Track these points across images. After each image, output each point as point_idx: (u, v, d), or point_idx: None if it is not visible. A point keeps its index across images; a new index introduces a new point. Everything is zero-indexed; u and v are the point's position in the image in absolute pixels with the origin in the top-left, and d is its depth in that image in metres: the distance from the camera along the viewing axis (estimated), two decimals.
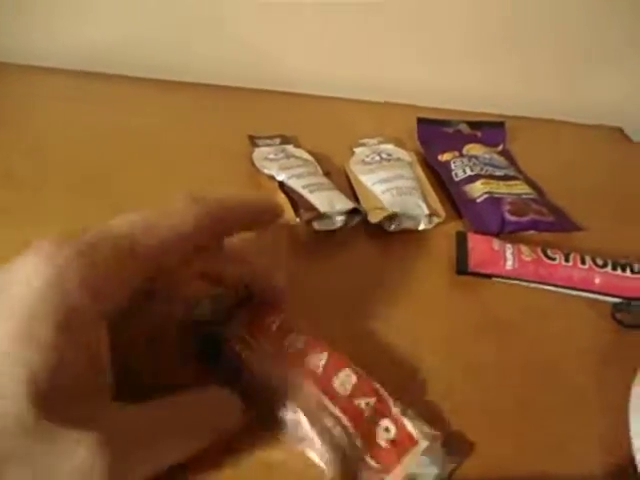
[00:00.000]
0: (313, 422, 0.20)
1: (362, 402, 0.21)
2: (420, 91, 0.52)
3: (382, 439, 0.20)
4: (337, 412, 0.20)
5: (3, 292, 0.15)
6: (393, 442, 0.20)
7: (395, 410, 0.21)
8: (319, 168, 0.37)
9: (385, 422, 0.21)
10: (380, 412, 0.21)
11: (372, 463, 0.20)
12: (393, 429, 0.21)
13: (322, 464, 0.20)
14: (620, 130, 0.53)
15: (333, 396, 0.21)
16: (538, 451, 0.22)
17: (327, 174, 0.37)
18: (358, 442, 0.20)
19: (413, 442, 0.20)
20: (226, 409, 0.20)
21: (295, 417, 0.20)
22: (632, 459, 0.21)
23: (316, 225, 0.31)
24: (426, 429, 0.21)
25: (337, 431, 0.20)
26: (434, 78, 0.53)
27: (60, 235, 0.16)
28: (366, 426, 0.20)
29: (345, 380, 0.21)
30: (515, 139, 0.48)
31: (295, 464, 0.20)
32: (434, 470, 0.20)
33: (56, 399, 0.14)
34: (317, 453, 0.20)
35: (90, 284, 0.16)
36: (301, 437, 0.20)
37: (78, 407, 0.15)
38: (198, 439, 0.19)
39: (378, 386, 0.22)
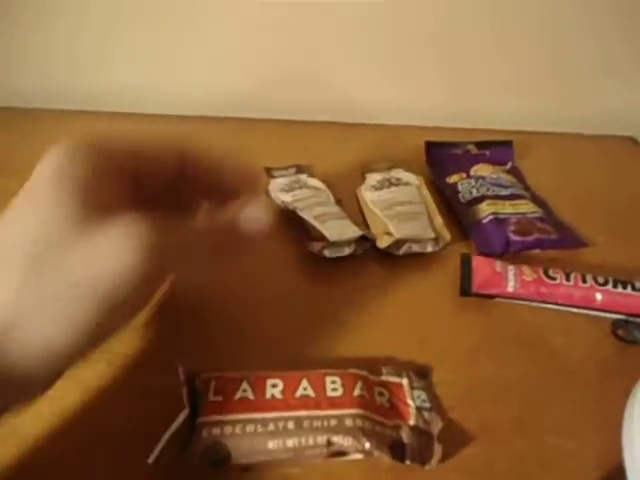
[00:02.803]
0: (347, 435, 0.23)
1: (356, 391, 0.24)
2: (427, 111, 0.54)
3: (382, 402, 0.25)
4: (348, 411, 0.23)
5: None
6: (389, 401, 0.25)
7: (374, 377, 0.26)
8: (331, 197, 0.39)
9: (376, 389, 0.25)
10: (369, 386, 0.25)
11: (387, 422, 0.24)
12: (384, 391, 0.26)
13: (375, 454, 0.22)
14: (632, 139, 0.54)
15: (336, 404, 0.24)
16: (534, 467, 0.24)
17: (339, 202, 0.39)
18: (375, 417, 0.24)
19: (401, 388, 0.26)
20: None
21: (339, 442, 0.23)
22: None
23: (327, 253, 0.34)
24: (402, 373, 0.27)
25: (359, 422, 0.23)
26: (441, 98, 0.55)
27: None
28: (370, 404, 0.24)
29: (332, 385, 0.25)
30: (525, 154, 0.49)
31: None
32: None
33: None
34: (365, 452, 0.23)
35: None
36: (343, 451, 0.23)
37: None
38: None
39: (354, 371, 0.26)
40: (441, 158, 0.46)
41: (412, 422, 0.24)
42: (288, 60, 0.53)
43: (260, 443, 0.22)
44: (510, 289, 0.32)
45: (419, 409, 0.25)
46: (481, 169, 0.44)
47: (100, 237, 0.19)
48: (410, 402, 0.25)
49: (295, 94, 0.54)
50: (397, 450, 0.23)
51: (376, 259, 0.36)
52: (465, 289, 0.33)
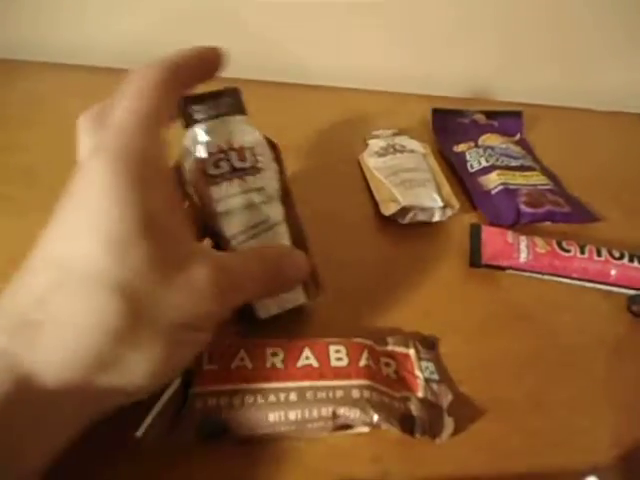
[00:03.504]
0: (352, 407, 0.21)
1: (362, 361, 0.23)
2: (435, 81, 0.52)
3: (389, 372, 0.24)
4: (354, 382, 0.22)
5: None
6: (396, 372, 0.24)
7: (380, 347, 0.25)
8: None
9: (382, 360, 0.24)
10: (375, 356, 0.24)
11: (394, 394, 0.22)
12: (391, 361, 0.24)
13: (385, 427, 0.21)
14: None
15: (341, 374, 0.22)
16: (546, 444, 0.23)
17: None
18: (382, 388, 0.22)
19: (408, 359, 0.24)
20: (298, 263, 0.23)
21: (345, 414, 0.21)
22: None
23: None
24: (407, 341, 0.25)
25: (366, 394, 0.21)
26: (449, 67, 0.52)
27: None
28: (376, 375, 0.23)
29: (337, 355, 0.23)
30: (533, 127, 0.47)
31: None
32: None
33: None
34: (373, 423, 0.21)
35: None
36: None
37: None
38: (275, 287, 0.23)
39: (359, 340, 0.24)
40: (447, 127, 0.44)
41: (421, 394, 0.23)
42: (289, 23, 0.50)
43: (260, 415, 0.21)
44: (522, 261, 0.30)
45: (428, 381, 0.23)
46: (490, 139, 0.42)
47: (183, 280, 0.18)
48: (418, 373, 0.24)
49: (298, 58, 0.51)
50: (407, 423, 0.21)
51: (380, 227, 0.34)
52: (474, 260, 0.31)
